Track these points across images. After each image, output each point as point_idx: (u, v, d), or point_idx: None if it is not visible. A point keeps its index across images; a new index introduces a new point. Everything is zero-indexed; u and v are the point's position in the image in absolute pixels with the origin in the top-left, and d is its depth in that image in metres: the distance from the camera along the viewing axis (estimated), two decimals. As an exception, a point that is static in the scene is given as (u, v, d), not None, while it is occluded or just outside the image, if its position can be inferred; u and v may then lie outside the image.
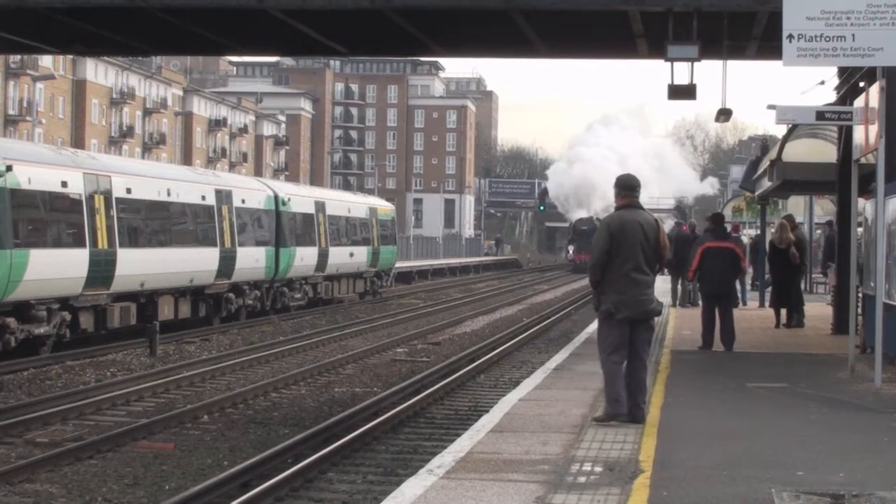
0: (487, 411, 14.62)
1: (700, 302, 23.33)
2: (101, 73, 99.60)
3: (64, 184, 26.36)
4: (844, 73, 23.06)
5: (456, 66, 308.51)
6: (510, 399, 15.07)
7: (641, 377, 12.88)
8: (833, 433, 12.61)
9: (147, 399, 20.86)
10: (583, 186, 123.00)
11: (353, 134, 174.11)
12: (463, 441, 11.96)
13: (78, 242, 26.72)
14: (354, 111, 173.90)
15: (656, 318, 13.18)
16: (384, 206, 56.21)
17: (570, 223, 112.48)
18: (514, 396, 15.30)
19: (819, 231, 46.32)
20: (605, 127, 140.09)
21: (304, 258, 41.42)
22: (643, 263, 12.60)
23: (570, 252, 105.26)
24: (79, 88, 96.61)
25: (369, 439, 16.53)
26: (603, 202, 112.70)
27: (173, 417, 18.18)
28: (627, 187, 12.91)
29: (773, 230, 29.48)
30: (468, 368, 24.72)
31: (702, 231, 26.59)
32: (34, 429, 17.39)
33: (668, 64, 19.68)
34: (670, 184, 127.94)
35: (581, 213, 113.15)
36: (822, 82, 26.23)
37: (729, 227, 25.05)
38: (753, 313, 29.86)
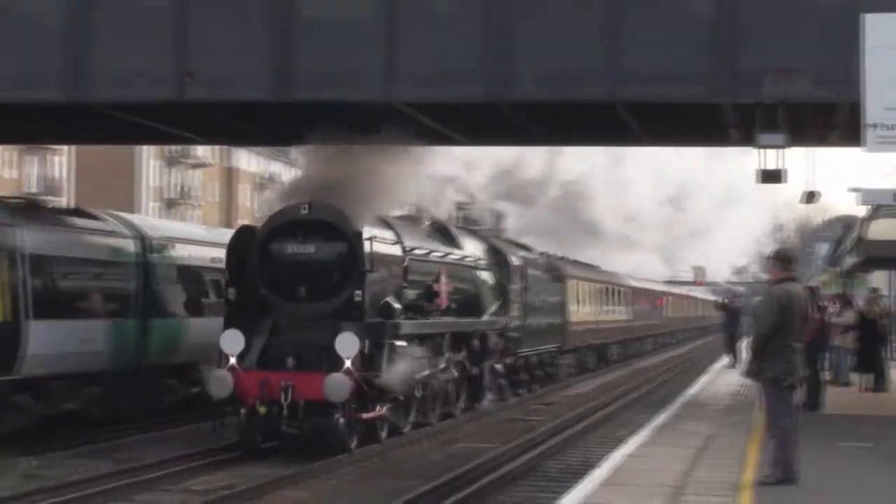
0: (597, 466, 14.53)
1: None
2: (252, 161, 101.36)
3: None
4: (923, 157, 22.79)
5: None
6: (618, 455, 14.97)
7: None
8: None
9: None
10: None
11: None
12: (576, 493, 11.92)
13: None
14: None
15: None
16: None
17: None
18: (622, 453, 15.21)
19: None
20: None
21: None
22: (799, 333, 12.42)
23: None
24: (230, 175, 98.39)
25: (489, 490, 16.45)
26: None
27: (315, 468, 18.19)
28: (787, 260, 12.75)
29: (859, 302, 29.11)
30: (578, 427, 24.54)
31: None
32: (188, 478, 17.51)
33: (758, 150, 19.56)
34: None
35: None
36: (903, 165, 25.91)
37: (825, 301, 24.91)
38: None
